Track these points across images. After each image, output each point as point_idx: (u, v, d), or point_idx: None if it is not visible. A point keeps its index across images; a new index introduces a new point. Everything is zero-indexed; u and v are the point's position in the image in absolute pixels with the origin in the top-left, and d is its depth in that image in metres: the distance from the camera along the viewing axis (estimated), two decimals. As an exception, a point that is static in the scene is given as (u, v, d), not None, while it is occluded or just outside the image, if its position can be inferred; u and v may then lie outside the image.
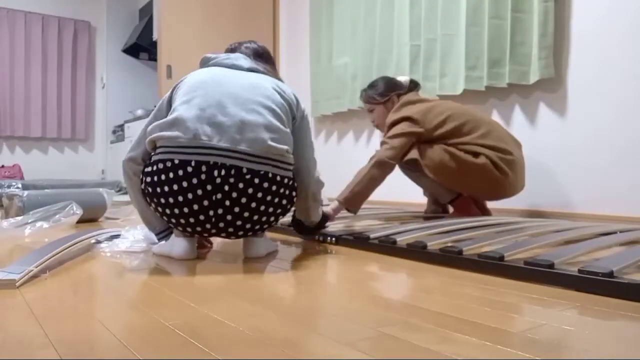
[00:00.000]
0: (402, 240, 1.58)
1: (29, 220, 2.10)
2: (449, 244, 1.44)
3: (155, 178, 1.29)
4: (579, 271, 1.09)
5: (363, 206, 2.77)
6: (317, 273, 1.27)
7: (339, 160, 3.89)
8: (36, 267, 1.22)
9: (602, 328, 0.81)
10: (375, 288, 1.10)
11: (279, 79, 1.55)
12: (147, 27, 5.33)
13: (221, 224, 1.32)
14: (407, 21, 3.09)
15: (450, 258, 1.37)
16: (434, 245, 1.48)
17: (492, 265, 1.26)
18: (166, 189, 1.28)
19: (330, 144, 3.99)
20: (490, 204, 2.42)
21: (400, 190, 3.31)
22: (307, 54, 4.17)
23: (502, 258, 1.26)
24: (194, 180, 1.25)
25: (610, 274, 1.05)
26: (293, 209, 1.67)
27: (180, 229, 1.37)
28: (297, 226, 1.77)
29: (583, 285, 1.07)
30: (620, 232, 1.74)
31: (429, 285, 1.14)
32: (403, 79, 2.43)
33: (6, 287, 1.09)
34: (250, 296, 1.02)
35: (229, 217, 1.31)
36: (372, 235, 1.66)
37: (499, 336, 0.76)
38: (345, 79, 3.64)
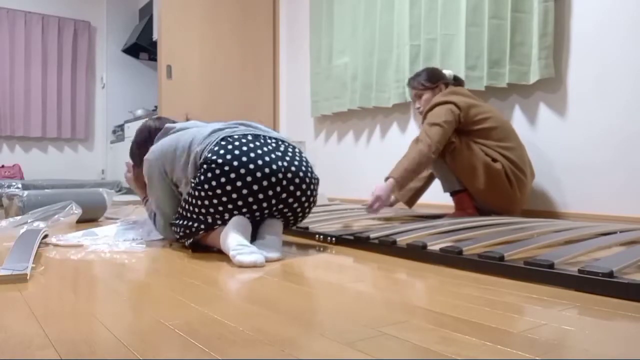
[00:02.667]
0: (402, 240, 1.57)
1: (29, 220, 2.10)
2: (449, 244, 1.44)
3: None
4: (579, 271, 1.09)
5: (361, 206, 2.78)
6: (316, 273, 1.27)
7: (339, 160, 3.89)
8: (32, 264, 1.22)
9: (602, 328, 0.81)
10: (375, 288, 1.10)
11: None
12: (147, 27, 5.33)
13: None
14: (407, 21, 3.09)
15: (451, 258, 1.37)
16: (433, 245, 1.48)
17: (492, 265, 1.26)
18: None
19: (330, 144, 3.99)
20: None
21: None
22: (307, 54, 4.17)
23: (502, 258, 1.26)
24: None
25: (610, 274, 1.05)
26: None
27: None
28: None
29: (583, 285, 1.07)
30: (620, 232, 1.74)
31: (429, 285, 1.14)
32: (447, 72, 2.52)
33: (19, 281, 1.13)
34: (250, 296, 1.02)
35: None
36: (372, 235, 1.66)
37: (499, 336, 0.76)
38: (345, 79, 3.64)
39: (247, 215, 1.51)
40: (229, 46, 4.30)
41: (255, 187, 1.46)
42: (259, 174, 1.46)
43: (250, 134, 1.57)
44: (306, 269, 1.33)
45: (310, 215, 2.32)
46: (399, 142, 3.37)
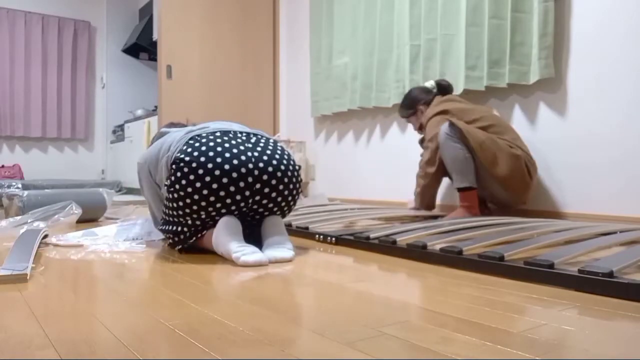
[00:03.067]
0: (402, 240, 1.57)
1: (29, 220, 2.10)
2: (449, 244, 1.43)
3: None
4: (579, 271, 1.09)
5: (360, 206, 2.78)
6: (317, 273, 1.27)
7: (339, 160, 3.89)
8: (32, 264, 1.23)
9: (602, 328, 0.81)
10: (375, 288, 1.10)
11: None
12: (147, 27, 5.33)
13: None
14: (407, 21, 3.09)
15: (451, 258, 1.36)
16: (434, 245, 1.48)
17: (492, 265, 1.26)
18: None
19: (330, 144, 3.99)
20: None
21: (397, 191, 3.31)
22: (307, 54, 4.17)
23: (502, 258, 1.26)
24: None
25: (610, 274, 1.05)
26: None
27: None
28: None
29: (583, 285, 1.07)
30: (620, 232, 1.74)
31: (429, 285, 1.14)
32: (428, 84, 2.62)
33: (19, 281, 1.14)
34: (250, 296, 1.02)
35: None
36: (371, 235, 1.66)
37: (499, 336, 0.76)
38: (345, 79, 3.64)
39: (226, 213, 1.49)
40: (229, 46, 4.30)
41: (224, 180, 1.44)
42: (227, 167, 1.44)
43: (219, 131, 1.56)
44: (306, 269, 1.33)
45: (311, 215, 2.32)
46: (399, 142, 3.37)
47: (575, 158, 2.41)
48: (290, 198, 1.58)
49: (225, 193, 1.45)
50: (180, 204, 1.46)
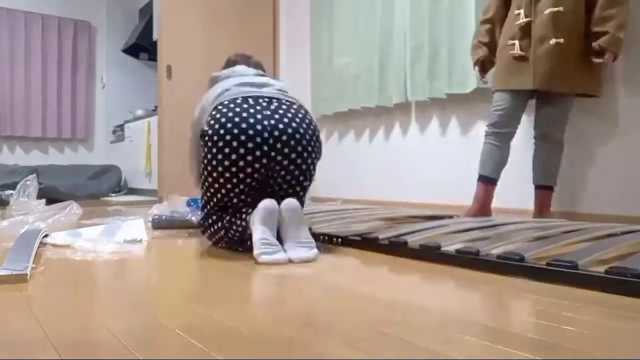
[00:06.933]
0: (413, 241, 1.54)
1: (30, 220, 2.10)
2: (465, 245, 1.42)
3: None
4: (606, 272, 1.08)
5: (360, 207, 2.77)
6: (319, 273, 1.27)
7: (340, 160, 3.89)
8: (32, 264, 1.23)
9: (602, 328, 0.81)
10: (374, 288, 1.10)
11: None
12: (147, 27, 5.32)
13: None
14: (409, 20, 3.09)
15: (467, 259, 1.34)
16: (447, 246, 1.45)
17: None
18: None
19: (330, 144, 3.99)
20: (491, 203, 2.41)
21: (398, 192, 3.31)
22: (307, 54, 4.17)
23: (522, 259, 1.24)
24: None
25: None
26: None
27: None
28: None
29: (607, 285, 1.06)
30: (622, 233, 1.73)
31: (428, 285, 1.14)
32: None
33: (19, 281, 1.14)
34: (250, 296, 1.02)
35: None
36: (380, 236, 1.63)
37: (499, 336, 0.76)
38: (346, 79, 3.64)
39: (250, 190, 1.55)
40: (229, 46, 4.29)
41: (242, 151, 1.50)
42: (243, 137, 1.50)
43: (240, 97, 1.60)
44: (308, 269, 1.33)
45: (312, 215, 2.32)
46: (400, 142, 3.37)
47: (576, 158, 2.41)
48: (304, 167, 1.61)
49: (244, 163, 1.51)
50: (209, 174, 1.55)
